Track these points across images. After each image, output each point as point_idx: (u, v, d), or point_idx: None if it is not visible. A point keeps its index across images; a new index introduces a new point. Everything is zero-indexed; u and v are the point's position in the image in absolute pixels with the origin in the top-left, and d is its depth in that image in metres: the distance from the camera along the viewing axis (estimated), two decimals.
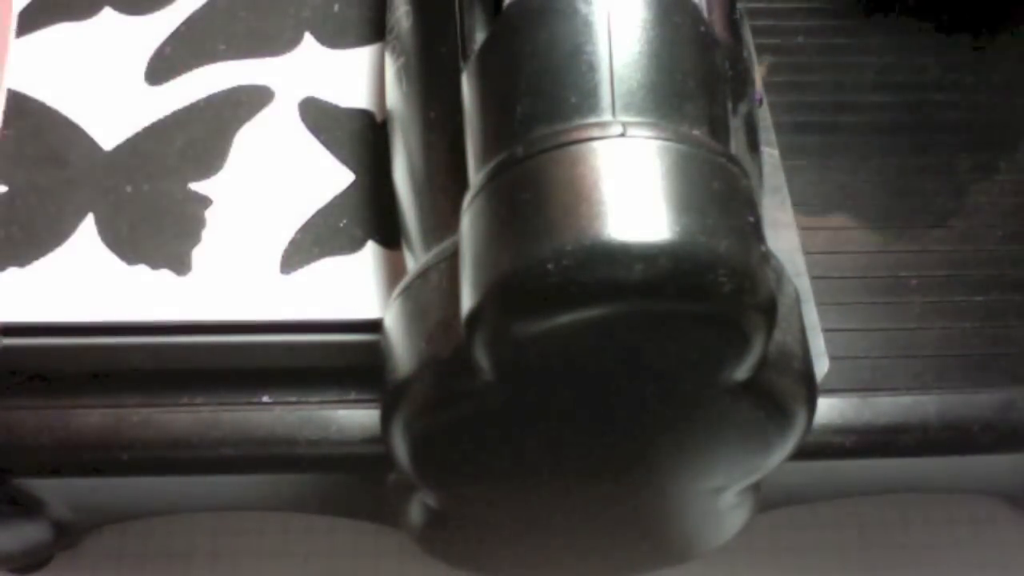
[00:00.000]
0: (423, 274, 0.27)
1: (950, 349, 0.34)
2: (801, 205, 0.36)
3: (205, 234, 0.33)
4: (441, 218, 0.28)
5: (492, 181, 0.24)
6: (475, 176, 0.25)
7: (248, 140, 0.35)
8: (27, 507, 0.34)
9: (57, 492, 0.34)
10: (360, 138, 0.35)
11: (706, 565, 0.40)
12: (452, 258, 0.26)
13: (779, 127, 0.38)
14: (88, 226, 0.33)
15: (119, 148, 0.35)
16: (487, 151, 0.25)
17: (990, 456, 0.34)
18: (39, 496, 0.34)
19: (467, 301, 0.24)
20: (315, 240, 0.33)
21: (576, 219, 0.22)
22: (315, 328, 0.32)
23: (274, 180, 0.34)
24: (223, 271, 0.32)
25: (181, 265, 0.33)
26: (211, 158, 0.35)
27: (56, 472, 0.32)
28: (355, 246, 0.33)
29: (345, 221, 0.34)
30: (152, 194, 0.34)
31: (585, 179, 0.23)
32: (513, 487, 0.30)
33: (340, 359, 0.32)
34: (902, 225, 0.36)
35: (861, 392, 0.33)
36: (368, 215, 0.34)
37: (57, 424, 0.32)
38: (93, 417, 0.32)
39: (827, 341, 0.34)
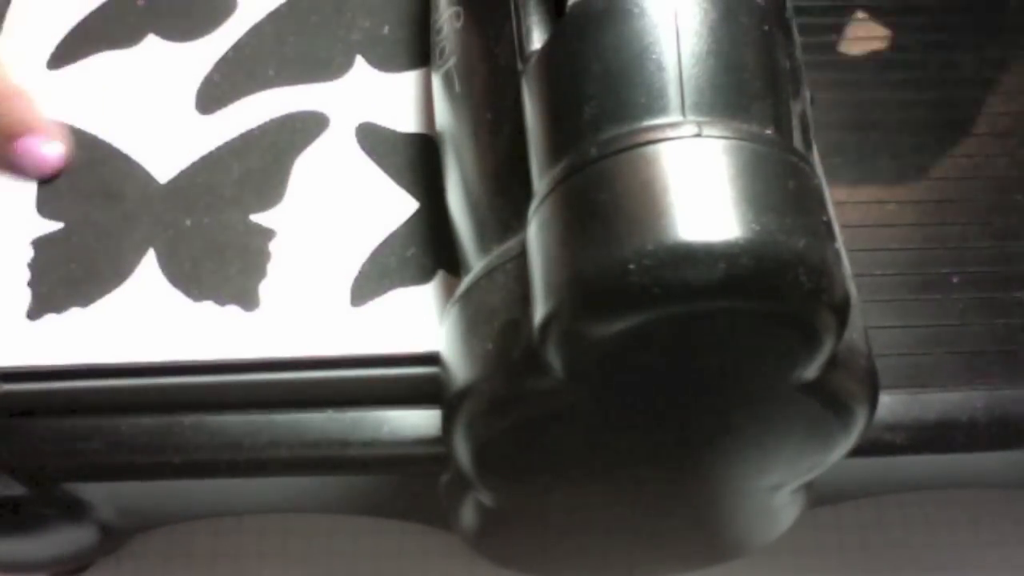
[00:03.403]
0: (487, 275, 0.27)
1: (993, 345, 0.34)
2: (839, 204, 0.37)
3: (270, 267, 0.32)
4: (501, 219, 0.28)
5: (564, 182, 0.24)
6: (541, 178, 0.25)
7: (307, 168, 0.34)
8: (75, 511, 0.34)
9: (105, 496, 0.34)
10: (421, 163, 0.34)
11: None
12: (518, 259, 0.26)
13: (816, 126, 0.38)
14: (150, 262, 0.32)
15: (175, 180, 0.34)
16: (554, 153, 0.25)
17: None
18: (87, 500, 0.34)
19: (542, 302, 0.24)
20: (383, 271, 0.32)
21: (656, 219, 0.22)
22: (389, 362, 0.31)
23: (336, 210, 0.33)
24: (292, 306, 0.32)
25: (249, 301, 0.32)
26: (270, 188, 0.34)
27: (107, 477, 0.32)
28: (425, 276, 0.32)
29: (413, 250, 0.33)
30: (213, 227, 0.33)
31: (663, 179, 0.23)
32: (574, 485, 0.29)
33: (416, 392, 0.31)
34: (942, 222, 0.37)
35: (909, 389, 0.33)
36: (436, 243, 0.33)
37: (108, 428, 0.31)
38: (144, 421, 0.31)
39: (871, 338, 0.34)
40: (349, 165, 0.34)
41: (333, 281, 0.32)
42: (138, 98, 0.35)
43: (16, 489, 0.32)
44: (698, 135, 0.23)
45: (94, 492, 0.33)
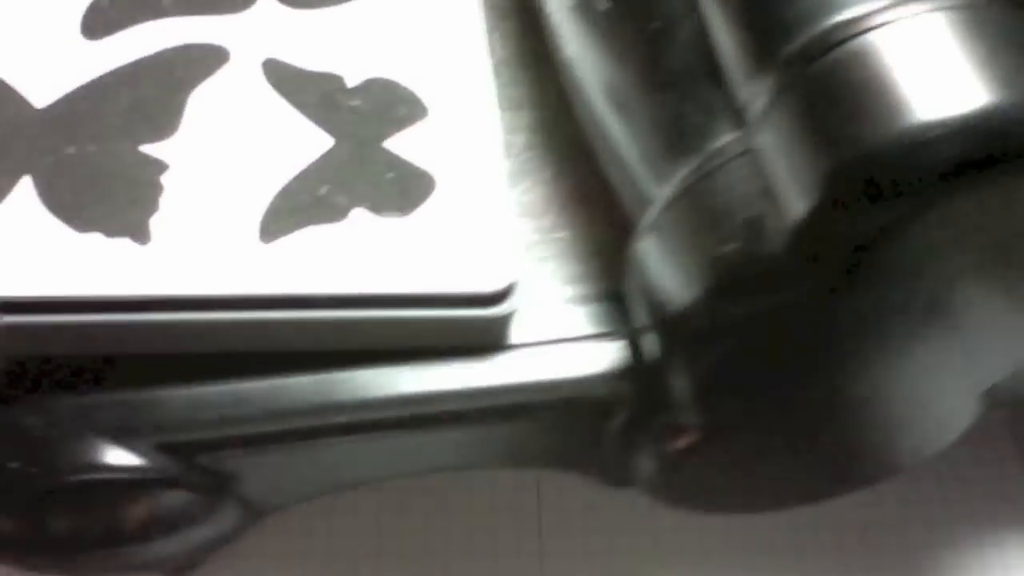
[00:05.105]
0: (701, 181, 0.26)
1: None
2: None
3: (163, 201, 0.30)
4: (693, 127, 0.27)
5: (812, 65, 0.23)
6: (759, 71, 0.24)
7: (205, 101, 0.32)
8: (215, 491, 0.31)
9: (249, 470, 0.31)
10: (333, 102, 0.32)
11: (704, 565, 0.39)
12: (739, 158, 0.25)
13: None
14: (25, 188, 0.30)
15: (54, 106, 0.31)
16: (777, 41, 0.24)
17: None
18: (233, 473, 0.31)
19: (805, 194, 0.22)
20: (294, 208, 0.30)
21: (958, 86, 0.21)
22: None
23: (239, 144, 0.31)
24: (193, 241, 0.29)
25: (141, 234, 0.29)
26: (163, 119, 0.31)
27: (261, 443, 0.29)
28: (339, 215, 0.30)
29: (327, 188, 0.30)
30: (98, 156, 0.30)
31: (937, 51, 0.22)
32: (798, 403, 0.28)
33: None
34: None
35: None
36: (351, 182, 0.31)
37: (257, 392, 0.29)
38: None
39: None
40: (254, 100, 0.32)
41: (239, 217, 0.30)
42: (16, 21, 0.33)
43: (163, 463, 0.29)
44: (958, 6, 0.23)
45: (239, 465, 0.31)
